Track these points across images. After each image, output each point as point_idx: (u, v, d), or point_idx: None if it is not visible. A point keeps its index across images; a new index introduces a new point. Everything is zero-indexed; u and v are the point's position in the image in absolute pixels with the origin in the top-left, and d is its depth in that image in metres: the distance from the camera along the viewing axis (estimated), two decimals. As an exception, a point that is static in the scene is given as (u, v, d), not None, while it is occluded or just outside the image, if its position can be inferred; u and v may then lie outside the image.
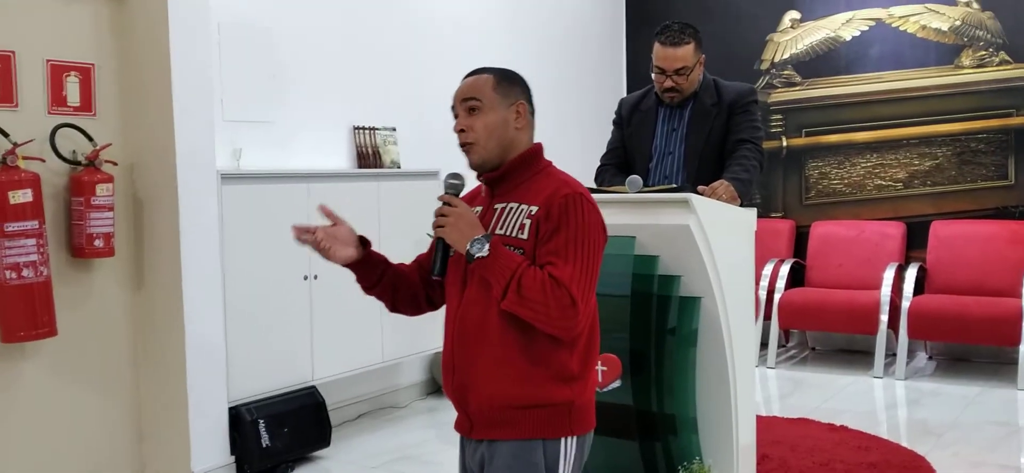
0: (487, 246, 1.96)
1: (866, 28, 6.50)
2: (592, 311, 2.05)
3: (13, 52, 3.53)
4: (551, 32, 6.63)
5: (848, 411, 5.03)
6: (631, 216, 3.04)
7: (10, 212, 3.35)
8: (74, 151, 3.68)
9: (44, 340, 3.55)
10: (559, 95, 6.56)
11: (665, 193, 3.06)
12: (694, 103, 3.54)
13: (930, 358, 6.25)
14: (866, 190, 6.55)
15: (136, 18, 3.88)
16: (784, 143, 6.77)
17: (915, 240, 6.31)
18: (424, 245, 2.30)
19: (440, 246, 2.09)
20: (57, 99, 3.67)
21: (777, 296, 6.18)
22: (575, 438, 2.05)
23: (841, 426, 4.68)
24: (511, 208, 2.07)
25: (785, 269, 6.33)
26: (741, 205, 3.23)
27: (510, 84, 2.12)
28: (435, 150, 5.17)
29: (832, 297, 6.10)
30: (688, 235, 2.92)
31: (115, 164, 3.78)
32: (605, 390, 2.96)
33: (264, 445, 4.17)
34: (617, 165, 3.68)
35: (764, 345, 6.24)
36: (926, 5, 6.31)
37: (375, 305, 2.31)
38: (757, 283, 5.93)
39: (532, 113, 2.15)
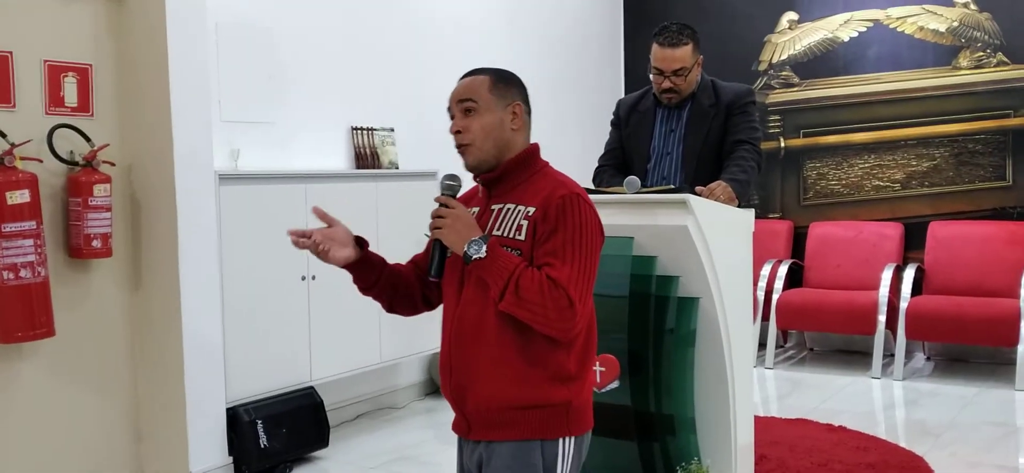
0: (484, 247, 1.96)
1: (864, 29, 6.51)
2: (589, 311, 2.05)
3: (10, 52, 3.53)
4: (550, 33, 6.63)
5: (846, 411, 5.04)
6: (629, 217, 3.04)
7: (8, 213, 3.35)
8: (72, 152, 3.68)
9: (42, 341, 3.54)
10: (558, 95, 6.56)
11: (663, 194, 3.06)
12: (692, 104, 3.54)
13: (928, 359, 6.26)
14: (864, 191, 6.56)
15: (134, 18, 3.88)
16: (782, 144, 6.77)
17: (913, 241, 6.32)
18: (422, 246, 2.30)
19: (437, 247, 2.09)
20: (55, 99, 3.67)
21: (775, 297, 6.19)
22: (573, 438, 2.05)
23: (839, 426, 4.68)
24: (508, 209, 2.07)
25: (783, 270, 6.34)
26: (739, 206, 3.24)
27: (506, 85, 2.11)
28: (433, 151, 5.17)
29: (830, 298, 6.11)
30: (686, 236, 2.92)
31: (113, 165, 3.78)
32: (603, 390, 2.96)
33: (262, 446, 4.16)
34: (615, 166, 3.68)
35: (762, 346, 6.24)
36: (924, 6, 6.32)
37: (373, 306, 2.31)
38: (755, 284, 5.94)
39: (528, 113, 2.15)
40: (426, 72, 5.47)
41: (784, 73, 6.79)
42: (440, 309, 2.25)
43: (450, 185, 2.10)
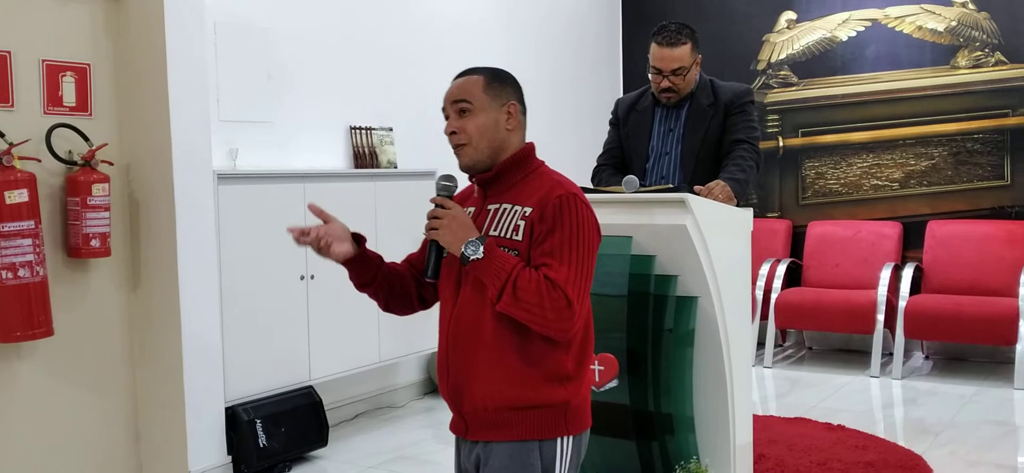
0: (481, 248, 1.96)
1: (862, 29, 6.51)
2: (586, 311, 2.05)
3: (9, 52, 3.53)
4: (548, 32, 6.64)
5: (845, 410, 5.04)
6: (628, 216, 3.04)
7: (6, 212, 3.35)
8: (70, 151, 3.68)
9: (40, 340, 3.54)
10: (556, 95, 6.57)
11: (662, 193, 3.06)
12: (691, 103, 3.54)
13: (927, 357, 6.26)
14: (862, 190, 6.56)
15: (132, 18, 3.88)
16: (780, 143, 6.78)
17: (911, 240, 6.32)
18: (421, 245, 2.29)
19: (433, 248, 2.08)
20: (53, 99, 3.67)
21: (774, 296, 6.19)
22: (571, 438, 2.05)
23: (838, 425, 4.69)
24: (505, 209, 2.06)
25: (782, 269, 6.34)
26: (738, 205, 3.24)
27: (501, 84, 2.10)
28: (432, 150, 5.17)
29: (829, 297, 6.11)
30: (685, 235, 2.92)
31: (111, 164, 3.78)
32: (602, 389, 2.97)
33: (261, 445, 4.16)
34: (614, 165, 3.68)
35: (761, 345, 6.25)
36: (922, 6, 6.32)
37: (372, 305, 2.30)
38: (754, 283, 5.94)
39: (524, 113, 2.14)
40: (424, 71, 5.47)
41: (782, 72, 6.79)
42: (434, 308, 2.25)
43: (446, 186, 2.10)
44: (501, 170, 2.09)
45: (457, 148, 2.09)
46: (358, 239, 2.19)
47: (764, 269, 6.30)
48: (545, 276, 1.93)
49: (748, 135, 3.48)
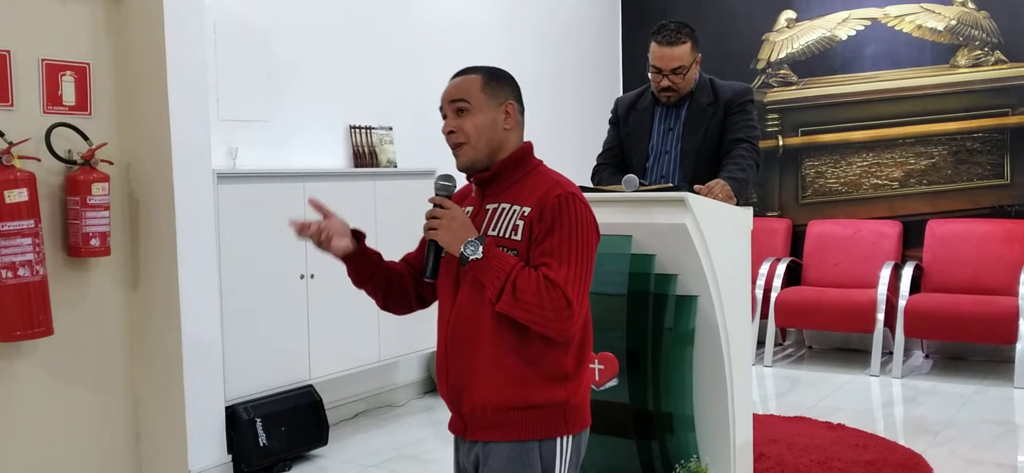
0: (481, 248, 1.95)
1: (862, 28, 6.51)
2: (585, 310, 2.04)
3: (8, 51, 3.53)
4: (547, 31, 6.64)
5: (845, 409, 5.04)
6: (628, 215, 3.04)
7: (6, 211, 3.35)
8: (70, 150, 3.68)
9: (40, 339, 3.54)
10: (556, 94, 6.57)
11: (661, 192, 3.06)
12: (690, 102, 3.54)
13: (926, 356, 6.26)
14: (862, 189, 6.56)
15: (131, 17, 3.87)
16: (780, 142, 6.78)
17: (911, 239, 6.32)
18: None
19: (432, 248, 2.07)
20: (52, 98, 3.67)
21: (774, 295, 6.19)
22: (571, 437, 2.05)
23: (838, 424, 4.69)
24: (503, 209, 2.05)
25: (781, 268, 6.34)
26: (738, 204, 3.24)
27: (498, 83, 2.09)
28: (431, 149, 5.15)
29: (828, 296, 6.11)
30: (684, 234, 2.92)
31: (111, 163, 3.78)
32: (602, 388, 2.97)
33: (261, 444, 4.16)
34: (614, 164, 3.68)
35: (761, 344, 6.25)
36: (921, 5, 6.32)
37: (372, 304, 2.29)
38: (753, 282, 5.94)
39: (521, 112, 2.13)
40: (424, 71, 5.47)
41: (782, 71, 6.79)
42: (432, 307, 2.24)
43: (444, 186, 2.09)
44: (499, 170, 2.08)
45: (455, 147, 2.08)
46: (358, 235, 2.18)
47: (764, 268, 6.30)
48: (545, 276, 1.92)
49: (748, 134, 3.48)
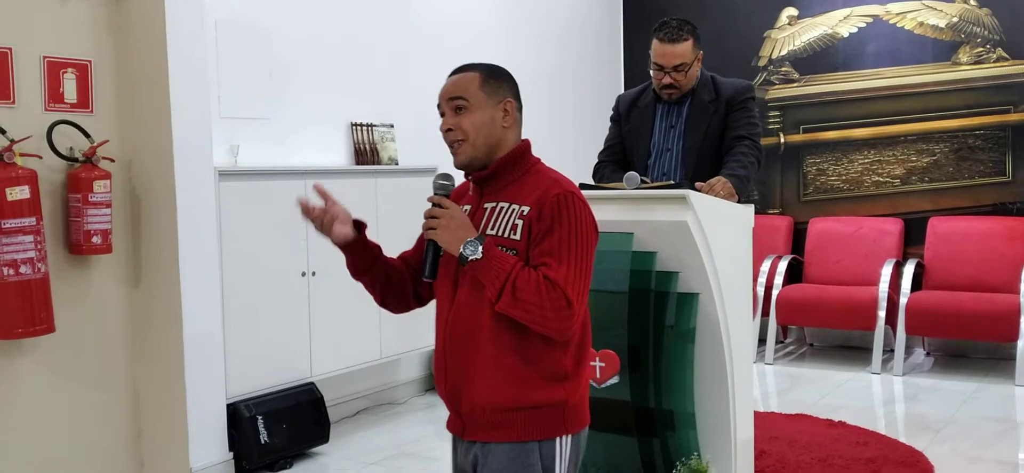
0: (480, 248, 1.94)
1: (863, 25, 6.51)
2: (584, 309, 2.03)
3: (10, 49, 3.53)
4: (549, 28, 6.63)
5: (846, 407, 5.04)
6: (629, 212, 3.05)
7: (7, 209, 3.35)
8: (71, 148, 3.68)
9: (42, 337, 3.54)
10: (557, 91, 6.56)
11: (663, 189, 3.06)
12: (692, 100, 3.54)
13: (928, 354, 6.26)
14: (864, 186, 6.56)
15: (133, 15, 3.87)
16: (782, 139, 6.77)
17: (913, 236, 6.32)
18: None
19: (431, 248, 2.06)
20: (54, 96, 3.67)
21: (775, 292, 6.19)
22: (570, 437, 2.04)
23: (839, 422, 4.69)
24: (502, 208, 2.04)
25: (783, 265, 6.34)
26: (739, 201, 3.24)
27: (497, 81, 2.08)
28: (433, 147, 5.14)
29: (830, 293, 6.11)
30: (686, 231, 2.92)
31: (112, 161, 3.78)
32: (603, 386, 2.97)
33: (263, 441, 4.17)
34: (615, 161, 3.68)
35: (762, 341, 6.25)
36: (923, 2, 6.31)
37: (373, 301, 2.28)
38: (755, 279, 5.94)
39: (520, 110, 2.12)
40: (425, 68, 5.47)
41: (784, 69, 6.79)
42: (429, 305, 2.23)
43: (443, 185, 2.08)
44: (497, 168, 2.07)
45: (453, 145, 2.06)
46: (359, 226, 2.17)
47: (765, 265, 6.30)
48: (544, 276, 1.92)
49: (749, 131, 3.48)
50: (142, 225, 3.93)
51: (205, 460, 3.99)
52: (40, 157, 3.56)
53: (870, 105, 6.50)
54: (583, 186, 3.20)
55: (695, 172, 3.43)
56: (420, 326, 4.94)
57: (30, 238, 3.39)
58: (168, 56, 3.80)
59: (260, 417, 4.18)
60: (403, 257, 2.25)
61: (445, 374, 2.08)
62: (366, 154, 5.12)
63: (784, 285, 6.25)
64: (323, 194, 2.14)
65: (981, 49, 6.15)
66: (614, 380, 2.97)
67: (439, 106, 2.09)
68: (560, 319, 1.92)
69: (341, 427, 4.83)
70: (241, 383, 4.20)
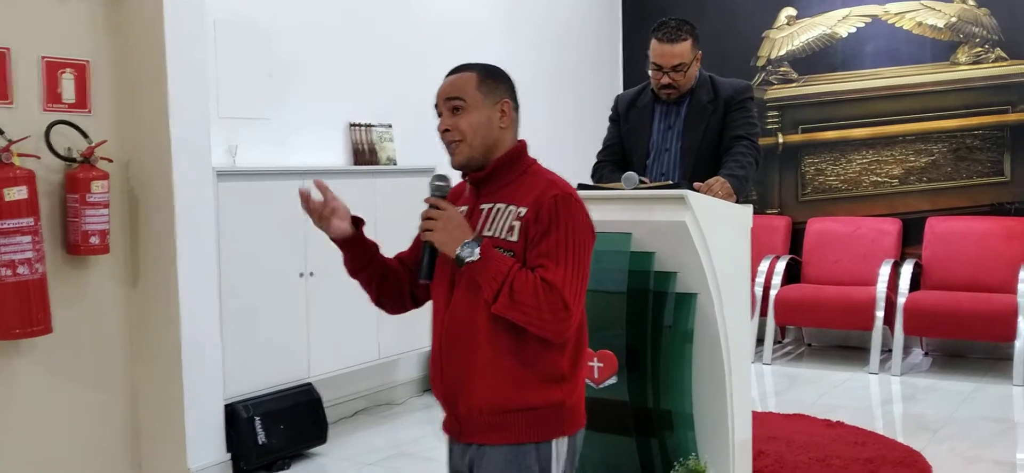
0: (478, 250, 1.93)
1: (862, 25, 6.51)
2: (581, 311, 2.02)
3: (8, 49, 3.53)
4: (548, 28, 6.63)
5: (844, 407, 5.04)
6: (627, 212, 3.04)
7: (5, 209, 3.34)
8: (69, 148, 3.67)
9: (40, 337, 3.53)
10: (556, 91, 6.56)
11: (661, 189, 3.06)
12: (691, 100, 3.54)
13: (926, 354, 6.26)
14: (862, 186, 6.56)
15: (131, 15, 3.87)
16: (780, 139, 6.78)
17: (911, 236, 6.32)
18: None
19: (427, 249, 2.05)
20: (52, 96, 3.66)
21: (773, 292, 6.19)
22: (567, 438, 2.04)
23: (837, 422, 4.69)
24: (499, 209, 2.03)
25: (781, 265, 6.34)
26: (737, 201, 3.24)
27: (494, 81, 2.07)
28: (431, 147, 5.14)
29: (828, 293, 6.11)
30: (684, 232, 2.92)
31: (110, 161, 3.78)
32: (601, 386, 2.97)
33: (260, 442, 4.16)
34: (614, 161, 3.68)
35: (760, 341, 6.25)
36: (922, 2, 6.31)
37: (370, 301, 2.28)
38: (753, 279, 5.94)
39: (516, 110, 2.11)
40: (424, 68, 5.46)
41: (782, 69, 6.79)
42: (425, 306, 2.22)
43: (439, 186, 2.07)
44: (494, 169, 2.06)
45: (450, 146, 2.06)
46: (357, 223, 2.16)
47: (763, 266, 6.30)
48: (542, 278, 1.91)
49: (748, 131, 3.48)
50: (140, 225, 3.93)
51: (203, 461, 3.98)
52: (38, 157, 3.56)
53: (868, 105, 6.50)
54: (582, 186, 3.20)
55: (693, 172, 3.43)
56: (418, 326, 4.93)
57: (28, 239, 3.39)
58: (166, 56, 3.79)
59: (258, 418, 4.18)
60: (399, 258, 2.24)
61: (441, 376, 2.07)
62: (364, 154, 5.12)
63: (782, 285, 6.25)
64: (323, 189, 2.13)
65: (979, 49, 6.15)
66: (612, 380, 2.96)
67: (436, 106, 2.08)
68: (557, 321, 1.92)
69: (339, 428, 4.83)
70: (239, 383, 4.20)
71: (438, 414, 2.14)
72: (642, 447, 3.04)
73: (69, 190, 3.63)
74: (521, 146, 2.11)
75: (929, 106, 6.32)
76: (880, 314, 5.83)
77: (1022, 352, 5.42)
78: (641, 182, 3.12)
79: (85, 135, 3.70)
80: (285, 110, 4.79)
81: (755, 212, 3.39)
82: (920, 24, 6.33)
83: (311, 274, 4.51)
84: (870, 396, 5.40)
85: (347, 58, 5.13)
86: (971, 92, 6.19)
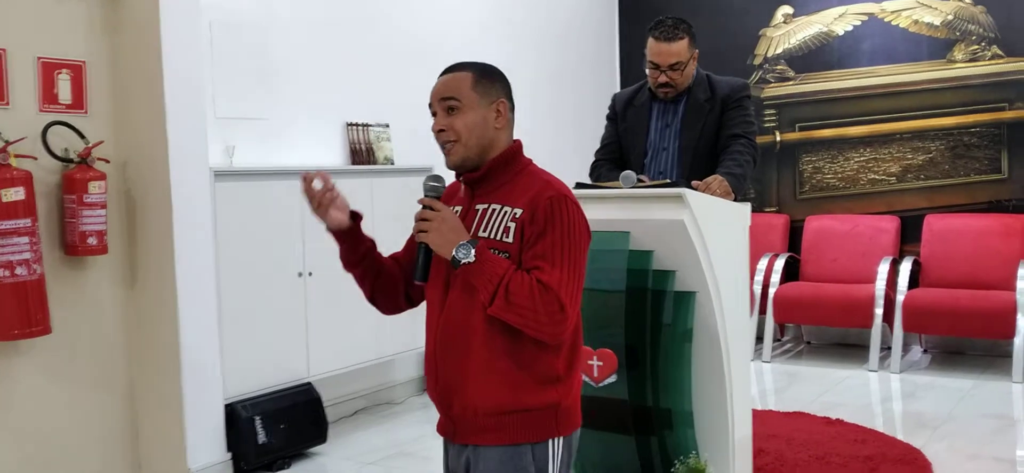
0: (473, 251, 1.92)
1: (858, 23, 6.51)
2: (577, 312, 2.01)
3: (4, 49, 3.52)
4: (545, 27, 6.63)
5: (843, 404, 5.04)
6: (626, 211, 3.04)
7: (2, 210, 3.34)
8: (66, 149, 3.67)
9: (38, 338, 3.53)
10: (553, 90, 6.56)
11: (659, 188, 3.06)
12: (688, 98, 3.54)
13: (925, 351, 6.26)
14: (860, 184, 6.56)
15: (127, 15, 3.87)
16: (777, 138, 6.78)
17: (909, 234, 6.33)
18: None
19: (422, 250, 2.03)
20: (48, 97, 3.66)
21: (772, 290, 6.19)
22: (562, 438, 2.03)
23: (837, 419, 4.69)
24: (494, 210, 2.02)
25: (780, 263, 6.34)
26: (735, 200, 3.24)
27: (490, 81, 2.05)
28: (428, 146, 5.14)
29: (827, 291, 6.11)
30: (682, 230, 2.92)
31: (107, 162, 3.77)
32: (600, 385, 2.97)
33: (260, 442, 4.16)
34: (612, 160, 3.67)
35: (759, 339, 6.25)
36: (918, 0, 6.33)
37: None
38: (752, 277, 5.94)
39: (512, 110, 2.09)
40: (421, 67, 5.43)
41: (779, 67, 6.79)
42: (420, 306, 2.21)
43: (434, 186, 2.05)
44: (489, 169, 2.05)
45: (445, 146, 2.04)
46: (354, 217, 2.14)
47: (762, 264, 6.30)
48: (538, 280, 1.90)
49: (745, 130, 3.48)
50: (138, 226, 3.92)
51: (203, 461, 3.98)
52: (35, 158, 3.55)
53: (865, 103, 6.51)
54: (580, 185, 3.20)
55: (691, 171, 3.43)
56: (417, 326, 4.91)
57: (25, 239, 3.39)
58: (163, 56, 3.79)
59: (258, 417, 4.17)
60: (394, 258, 2.23)
61: (436, 377, 2.06)
62: (362, 154, 5.12)
63: (781, 283, 6.25)
64: (325, 180, 2.10)
65: (976, 47, 6.16)
66: (611, 379, 2.96)
67: (431, 106, 2.06)
68: (553, 323, 1.91)
69: (339, 427, 4.82)
70: (238, 383, 4.19)
71: (437, 414, 2.14)
72: (642, 446, 3.04)
73: (66, 191, 3.63)
74: (516, 146, 2.09)
75: (926, 104, 6.33)
76: (879, 311, 5.84)
77: (1021, 349, 5.42)
78: (639, 181, 3.11)
79: (82, 136, 3.70)
80: (282, 110, 4.79)
81: (753, 210, 3.40)
82: (916, 22, 6.33)
83: (309, 274, 4.50)
84: (869, 393, 5.41)
85: (344, 57, 5.13)
86: (968, 90, 6.19)
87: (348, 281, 2.21)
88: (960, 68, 6.21)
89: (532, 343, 1.95)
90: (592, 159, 3.75)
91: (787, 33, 6.75)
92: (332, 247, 2.17)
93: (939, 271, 6.04)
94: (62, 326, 3.65)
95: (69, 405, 3.75)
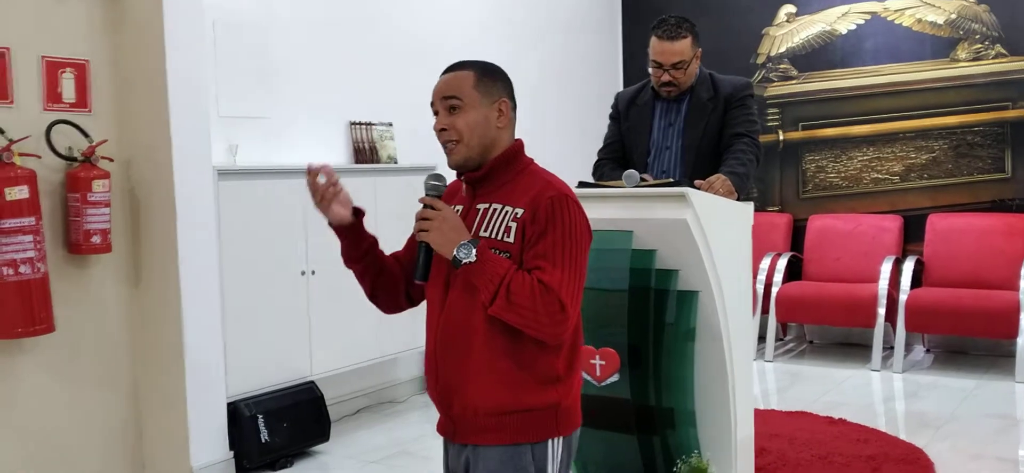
0: (474, 251, 1.92)
1: (862, 22, 6.51)
2: (577, 313, 2.01)
3: (8, 48, 3.53)
4: (548, 25, 6.63)
5: (846, 404, 5.04)
6: (628, 210, 3.04)
7: (6, 209, 3.35)
8: (70, 147, 3.68)
9: (42, 336, 3.54)
10: (556, 89, 6.56)
11: (662, 187, 3.06)
12: (691, 97, 3.54)
13: (927, 351, 6.26)
14: (863, 183, 6.56)
15: (131, 14, 3.87)
16: (780, 137, 6.77)
17: (912, 233, 6.32)
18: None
19: (423, 250, 2.03)
20: (52, 95, 3.67)
21: (775, 290, 6.19)
22: (562, 438, 2.03)
23: (839, 419, 4.69)
24: (495, 209, 2.02)
25: (782, 263, 6.34)
26: (738, 199, 3.24)
27: (492, 80, 2.05)
28: (432, 145, 5.14)
29: (829, 290, 6.11)
30: (685, 229, 2.92)
31: (111, 160, 3.78)
32: (603, 384, 2.97)
33: (263, 440, 4.17)
34: (615, 159, 3.68)
35: (762, 339, 6.25)
36: (922, -2, 6.32)
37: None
38: (755, 277, 5.94)
39: (514, 109, 2.09)
40: (424, 66, 5.44)
41: (782, 66, 6.78)
42: (421, 306, 2.21)
43: (435, 185, 2.04)
44: (491, 169, 2.04)
45: (447, 145, 2.03)
46: (357, 213, 2.13)
47: (765, 263, 6.30)
48: (539, 280, 1.90)
49: (748, 129, 3.48)
50: (141, 224, 3.93)
51: (206, 459, 3.98)
52: (39, 157, 3.56)
53: (869, 102, 6.50)
54: (582, 184, 3.20)
55: (694, 170, 3.43)
56: (419, 325, 4.90)
57: (29, 238, 3.39)
58: (166, 55, 3.80)
59: (260, 416, 4.18)
60: (394, 257, 2.22)
61: (436, 377, 2.06)
62: (365, 153, 5.12)
63: (784, 282, 6.25)
64: (329, 174, 2.10)
65: (979, 46, 6.15)
66: (614, 378, 2.96)
67: (432, 105, 2.06)
68: (554, 323, 1.91)
69: (341, 426, 4.83)
70: (241, 382, 4.20)
71: (438, 413, 2.13)
72: (644, 445, 3.04)
73: (70, 189, 3.64)
74: (518, 146, 2.09)
75: (929, 103, 6.32)
76: (882, 311, 5.83)
77: None
78: (642, 180, 3.11)
79: (86, 134, 3.71)
80: (285, 109, 4.79)
81: (756, 209, 3.40)
82: (920, 21, 6.32)
83: (312, 272, 4.51)
84: (872, 393, 5.40)
85: (347, 56, 5.13)
86: (971, 89, 6.19)
87: (351, 280, 2.21)
88: (963, 67, 6.20)
89: (532, 343, 1.95)
90: (595, 158, 3.75)
91: (790, 32, 6.75)
92: (334, 245, 2.17)
93: (942, 271, 6.03)
94: (66, 324, 3.65)
95: (72, 403, 3.75)
